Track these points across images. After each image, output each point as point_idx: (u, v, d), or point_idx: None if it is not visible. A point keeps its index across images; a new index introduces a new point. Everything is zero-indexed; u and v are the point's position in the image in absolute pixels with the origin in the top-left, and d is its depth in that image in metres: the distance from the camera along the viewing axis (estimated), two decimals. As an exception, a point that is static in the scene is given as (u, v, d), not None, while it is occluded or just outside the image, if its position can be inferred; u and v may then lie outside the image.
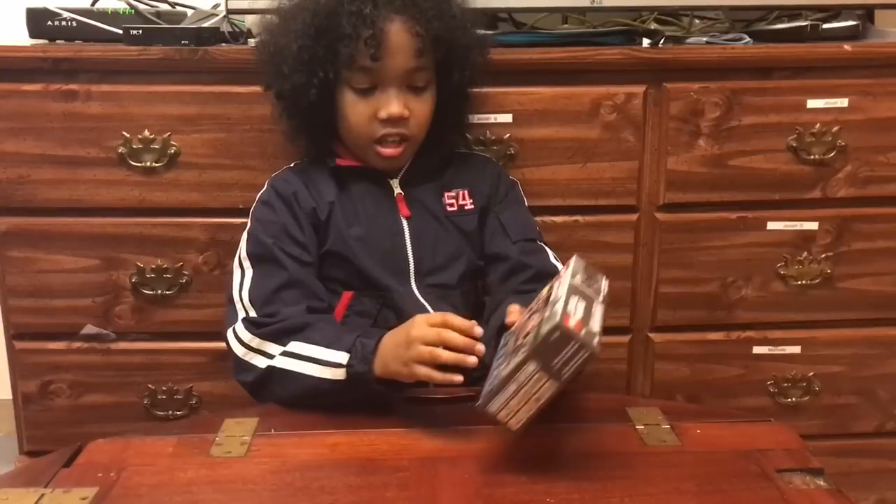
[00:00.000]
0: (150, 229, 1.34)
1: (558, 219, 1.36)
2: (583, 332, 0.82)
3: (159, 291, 1.35)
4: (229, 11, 1.35)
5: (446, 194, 1.21)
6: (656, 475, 0.87)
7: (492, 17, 1.46)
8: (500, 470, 0.88)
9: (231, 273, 1.15)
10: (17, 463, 1.42)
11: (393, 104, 1.12)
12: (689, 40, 1.38)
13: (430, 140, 1.20)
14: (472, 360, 0.92)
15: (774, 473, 0.86)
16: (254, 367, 1.04)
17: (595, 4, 1.37)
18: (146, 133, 1.29)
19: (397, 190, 1.19)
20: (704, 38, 1.39)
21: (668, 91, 1.33)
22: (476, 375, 1.11)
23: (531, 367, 0.83)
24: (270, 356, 1.03)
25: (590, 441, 0.94)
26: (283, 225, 1.14)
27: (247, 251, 1.13)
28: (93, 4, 1.42)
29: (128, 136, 1.29)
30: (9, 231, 1.33)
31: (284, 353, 1.02)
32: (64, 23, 1.35)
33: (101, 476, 0.86)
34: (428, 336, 0.93)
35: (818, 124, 1.34)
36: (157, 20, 1.37)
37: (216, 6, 1.44)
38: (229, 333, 1.08)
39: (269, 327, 1.05)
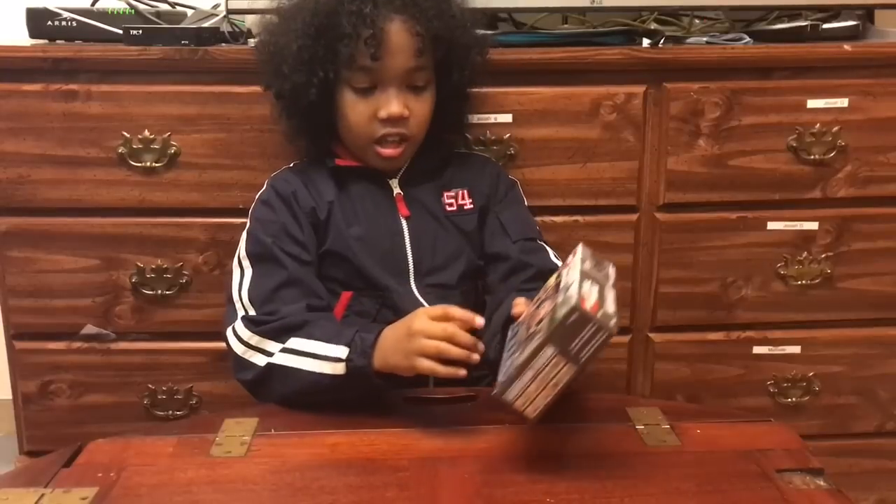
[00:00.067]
0: (150, 229, 1.34)
1: (558, 219, 1.36)
2: (599, 313, 0.82)
3: (159, 291, 1.35)
4: (229, 11, 1.35)
5: (446, 194, 1.21)
6: (656, 475, 0.87)
7: (492, 17, 1.46)
8: (500, 470, 0.88)
9: (230, 273, 1.15)
10: (17, 463, 1.42)
11: (393, 104, 1.12)
12: (689, 40, 1.38)
13: (430, 140, 1.20)
14: (476, 357, 0.92)
15: (774, 473, 0.86)
16: (253, 365, 1.04)
17: (595, 4, 1.37)
18: (146, 133, 1.29)
19: (397, 190, 1.19)
20: (704, 38, 1.39)
21: (668, 91, 1.33)
22: (476, 375, 1.11)
23: (549, 351, 0.82)
24: (270, 354, 1.03)
25: (590, 441, 0.94)
26: (282, 224, 1.14)
27: (246, 250, 1.13)
28: (93, 4, 1.42)
29: (128, 136, 1.29)
30: (9, 231, 1.33)
31: (284, 350, 1.02)
32: (64, 23, 1.35)
33: (101, 476, 0.86)
34: (432, 330, 0.93)
35: (818, 124, 1.34)
36: (157, 20, 1.37)
37: (216, 6, 1.44)
38: (229, 332, 1.08)
39: (269, 325, 1.05)
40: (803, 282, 1.40)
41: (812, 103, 1.33)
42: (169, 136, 1.30)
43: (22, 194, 1.31)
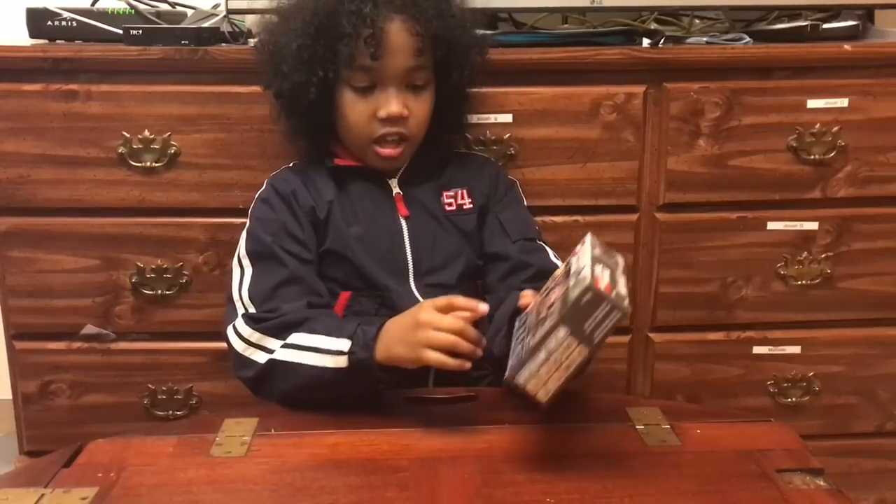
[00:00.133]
0: (150, 229, 1.34)
1: (558, 219, 1.36)
2: (613, 293, 0.82)
3: (159, 291, 1.35)
4: (229, 11, 1.35)
5: (445, 194, 1.21)
6: (656, 475, 0.87)
7: (492, 17, 1.46)
8: (500, 470, 0.88)
9: (230, 272, 1.15)
10: (17, 463, 1.42)
11: (392, 103, 1.12)
12: (689, 40, 1.38)
13: (429, 140, 1.21)
14: (480, 352, 0.93)
15: (774, 473, 0.86)
16: (254, 362, 1.04)
17: (595, 4, 1.37)
18: (146, 133, 1.29)
19: (396, 189, 1.19)
20: (704, 38, 1.39)
21: (668, 91, 1.33)
22: (476, 375, 1.11)
23: (561, 332, 0.82)
24: (271, 351, 1.03)
25: (590, 441, 0.94)
26: (282, 223, 1.14)
27: (246, 249, 1.13)
28: (93, 4, 1.42)
29: (128, 136, 1.29)
30: (9, 231, 1.33)
31: (285, 346, 1.02)
32: (64, 23, 1.35)
33: (101, 476, 0.86)
34: (441, 323, 0.93)
35: (818, 124, 1.34)
36: (157, 20, 1.37)
37: (216, 6, 1.44)
38: (229, 330, 1.08)
39: (270, 322, 1.04)
40: (803, 282, 1.40)
41: (812, 103, 1.33)
42: (169, 136, 1.30)
43: (22, 194, 1.31)
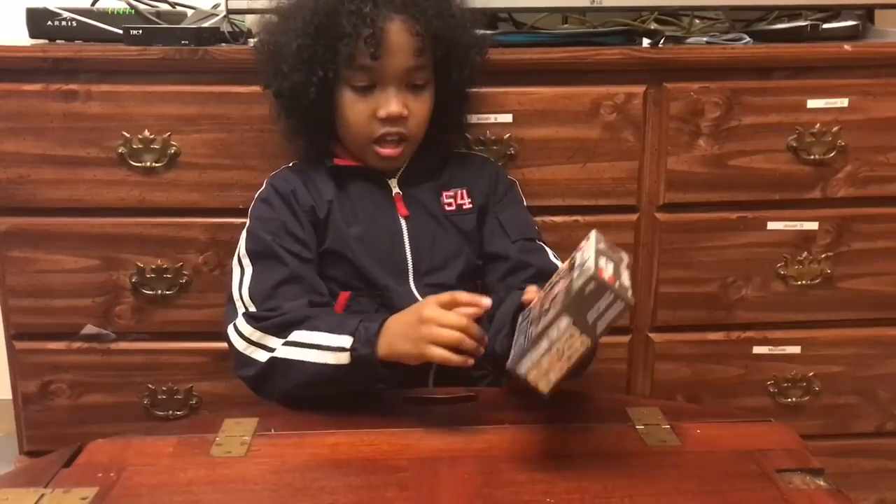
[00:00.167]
0: (150, 229, 1.34)
1: (558, 219, 1.36)
2: (616, 284, 0.82)
3: (159, 291, 1.35)
4: (229, 11, 1.35)
5: (444, 194, 1.21)
6: (656, 475, 0.87)
7: (492, 17, 1.46)
8: (500, 470, 0.88)
9: (230, 272, 1.15)
10: (17, 463, 1.42)
11: (392, 103, 1.12)
12: (689, 40, 1.38)
13: (429, 140, 1.21)
14: (482, 350, 0.94)
15: (774, 473, 0.86)
16: (255, 361, 1.04)
17: (595, 4, 1.37)
18: (146, 133, 1.29)
19: (395, 189, 1.19)
20: (704, 38, 1.39)
21: (668, 91, 1.33)
22: (476, 375, 1.11)
23: (564, 322, 0.82)
24: (272, 349, 1.03)
25: (590, 441, 0.94)
26: (282, 222, 1.14)
27: (246, 248, 1.13)
28: (93, 4, 1.42)
29: (128, 136, 1.29)
30: (9, 231, 1.33)
31: (287, 343, 1.02)
32: (64, 23, 1.35)
33: (101, 476, 0.86)
34: (446, 319, 0.93)
35: (818, 124, 1.34)
36: (157, 20, 1.37)
37: (216, 6, 1.44)
38: (230, 329, 1.07)
39: (271, 321, 1.04)
40: (803, 282, 1.40)
41: (812, 103, 1.33)
42: (169, 136, 1.30)
43: (22, 194, 1.31)
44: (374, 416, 0.98)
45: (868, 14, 1.53)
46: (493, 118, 1.32)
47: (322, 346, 0.99)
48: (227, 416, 0.99)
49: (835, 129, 1.34)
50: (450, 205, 1.21)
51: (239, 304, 1.09)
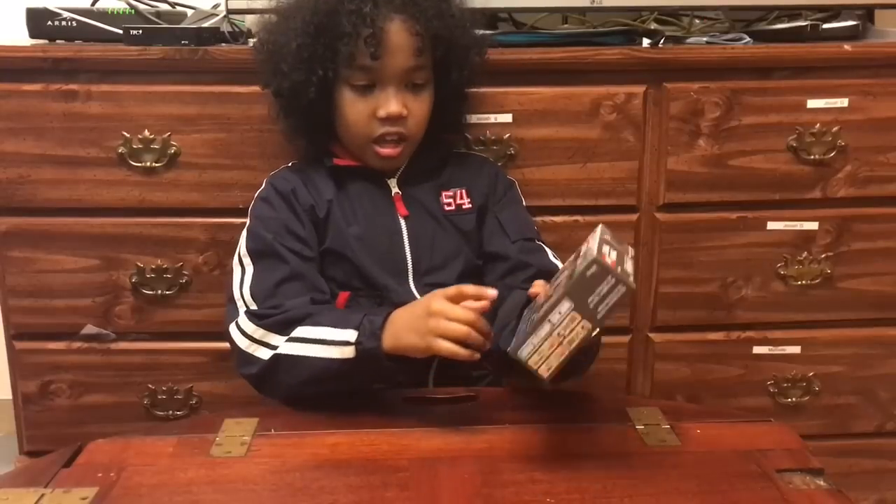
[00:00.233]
0: (150, 229, 1.34)
1: (558, 219, 1.36)
2: (618, 269, 0.82)
3: (159, 291, 1.35)
4: (229, 11, 1.35)
5: (444, 194, 1.21)
6: (656, 475, 0.87)
7: (492, 17, 1.46)
8: (500, 470, 0.88)
9: (230, 272, 1.15)
10: (17, 463, 1.42)
11: (392, 103, 1.12)
12: (689, 40, 1.38)
13: (428, 139, 1.21)
14: (489, 345, 0.94)
15: (774, 473, 0.86)
16: (258, 359, 1.03)
17: (595, 4, 1.37)
18: (146, 133, 1.29)
19: (395, 189, 1.19)
20: (704, 38, 1.39)
21: (668, 91, 1.33)
22: (476, 375, 1.11)
23: (565, 306, 0.82)
24: (274, 347, 1.02)
25: (590, 441, 0.94)
26: (282, 221, 1.14)
27: (247, 248, 1.13)
28: (93, 4, 1.42)
29: (128, 136, 1.29)
30: (9, 231, 1.33)
31: (290, 340, 1.02)
32: (64, 23, 1.35)
33: (101, 476, 0.86)
34: (454, 313, 0.93)
35: (818, 124, 1.34)
36: (157, 20, 1.37)
37: (216, 6, 1.44)
38: (232, 327, 1.07)
39: (273, 318, 1.04)
40: (803, 282, 1.40)
41: (812, 103, 1.33)
42: (169, 136, 1.30)
43: (22, 194, 1.31)
44: (374, 416, 0.98)
45: (868, 14, 1.53)
46: (492, 118, 1.32)
47: (326, 341, 0.99)
48: (227, 416, 0.99)
49: (835, 129, 1.34)
50: (449, 205, 1.21)
51: (240, 302, 1.09)
